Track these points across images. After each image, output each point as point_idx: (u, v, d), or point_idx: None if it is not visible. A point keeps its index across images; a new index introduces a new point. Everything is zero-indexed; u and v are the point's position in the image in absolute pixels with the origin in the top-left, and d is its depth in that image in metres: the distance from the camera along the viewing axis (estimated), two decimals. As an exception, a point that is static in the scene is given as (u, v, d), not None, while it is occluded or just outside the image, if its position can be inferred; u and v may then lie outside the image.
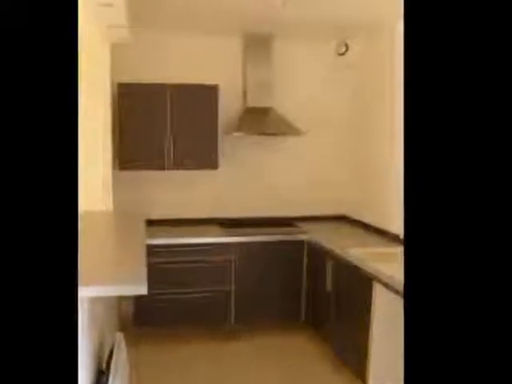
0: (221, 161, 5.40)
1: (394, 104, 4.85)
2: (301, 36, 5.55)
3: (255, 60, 5.53)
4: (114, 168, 4.94)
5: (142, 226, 2.87)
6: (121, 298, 5.12)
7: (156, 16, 4.74)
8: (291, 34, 5.46)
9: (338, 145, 6.00)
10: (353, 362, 4.26)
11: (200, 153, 5.27)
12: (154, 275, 4.74)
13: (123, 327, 4.84)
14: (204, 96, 5.23)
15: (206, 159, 5.30)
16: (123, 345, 3.05)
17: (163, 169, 5.24)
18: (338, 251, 4.52)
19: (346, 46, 5.61)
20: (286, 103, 5.67)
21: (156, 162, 5.19)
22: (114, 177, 4.97)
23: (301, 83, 5.81)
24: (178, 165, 5.23)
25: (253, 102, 5.51)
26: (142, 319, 5.04)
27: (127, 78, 5.14)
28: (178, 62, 5.48)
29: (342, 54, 5.66)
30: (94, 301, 2.53)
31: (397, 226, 4.76)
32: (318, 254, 4.92)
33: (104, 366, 2.71)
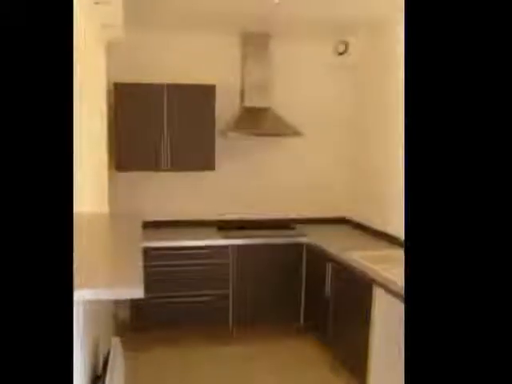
0: (218, 162, 5.41)
1: (394, 104, 4.85)
2: (299, 35, 5.56)
3: (253, 59, 5.53)
4: (109, 169, 4.94)
5: (139, 228, 2.87)
6: (117, 302, 5.11)
7: (152, 15, 4.74)
8: (289, 33, 5.46)
9: (338, 146, 6.00)
10: (353, 367, 4.25)
11: (197, 154, 5.26)
12: (151, 278, 4.76)
13: (119, 332, 4.83)
14: (201, 96, 5.23)
15: (203, 160, 5.29)
16: (119, 349, 3.04)
17: (160, 170, 5.24)
18: (337, 254, 4.51)
19: (346, 45, 5.61)
20: (285, 103, 5.68)
21: (152, 163, 5.18)
22: (110, 178, 4.97)
23: (299, 83, 5.82)
24: (175, 166, 5.23)
25: (250, 102, 5.51)
26: (139, 323, 5.03)
27: (123, 78, 5.14)
28: (174, 62, 5.48)
29: (342, 54, 5.66)
30: (89, 304, 2.53)
31: (397, 228, 4.76)
32: (318, 257, 4.92)
33: (100, 371, 2.71)
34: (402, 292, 3.35)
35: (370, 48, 5.46)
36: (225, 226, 5.60)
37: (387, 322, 3.85)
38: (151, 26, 5.16)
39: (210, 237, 5.19)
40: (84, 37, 3.28)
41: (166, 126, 5.16)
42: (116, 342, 3.04)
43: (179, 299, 5.05)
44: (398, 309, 3.72)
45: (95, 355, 2.71)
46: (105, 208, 4.62)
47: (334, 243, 4.88)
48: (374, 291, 3.85)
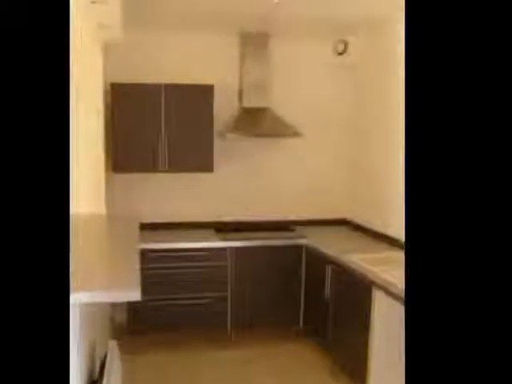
0: (216, 163, 5.40)
1: (395, 104, 4.85)
2: (298, 34, 5.56)
3: (252, 59, 5.53)
4: (106, 170, 4.94)
5: (136, 229, 2.87)
6: (114, 305, 5.10)
7: (150, 14, 4.74)
8: (288, 32, 5.47)
9: (338, 147, 6.00)
10: (352, 370, 4.25)
11: (195, 155, 5.26)
12: (148, 281, 4.75)
13: (116, 335, 4.83)
14: (199, 96, 5.23)
15: (201, 161, 5.29)
16: (116, 353, 3.04)
17: (157, 171, 5.24)
18: (337, 256, 4.52)
19: (345, 44, 5.61)
20: (284, 104, 5.67)
21: (150, 164, 5.18)
22: (107, 179, 4.97)
23: (298, 83, 5.82)
24: (173, 167, 5.23)
25: (249, 103, 5.51)
26: (136, 326, 5.03)
27: (120, 78, 5.14)
28: (172, 62, 5.48)
29: (341, 53, 5.66)
30: (86, 307, 2.53)
31: (397, 230, 4.76)
32: (317, 260, 4.92)
33: (97, 374, 2.70)
34: (403, 295, 3.35)
35: (370, 47, 5.47)
36: (223, 228, 5.60)
37: (387, 325, 3.85)
38: (148, 25, 5.16)
39: (208, 239, 5.18)
40: (80, 36, 3.28)
41: (163, 126, 5.16)
42: (113, 345, 3.03)
43: (177, 302, 5.05)
44: (399, 312, 3.72)
45: (92, 359, 2.71)
46: (102, 209, 4.62)
47: (334, 245, 4.89)
48: (373, 294, 3.85)
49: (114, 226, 3.15)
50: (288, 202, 5.94)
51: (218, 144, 5.44)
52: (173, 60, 5.48)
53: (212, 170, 5.33)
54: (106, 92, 4.97)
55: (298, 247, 5.25)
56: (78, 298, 1.62)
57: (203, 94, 5.23)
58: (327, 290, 4.65)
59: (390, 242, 4.93)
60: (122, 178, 5.43)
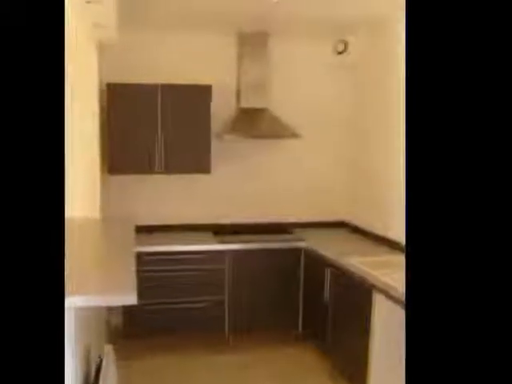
0: (214, 164, 5.39)
1: (395, 105, 4.85)
2: (297, 34, 5.56)
3: (250, 59, 5.53)
4: (102, 172, 4.94)
5: (132, 232, 2.87)
6: (109, 309, 5.10)
7: (146, 13, 4.73)
8: (287, 31, 5.47)
9: (337, 148, 6.00)
10: (352, 375, 4.25)
11: (192, 156, 5.26)
12: (144, 284, 4.74)
13: (112, 339, 4.82)
14: (196, 96, 5.23)
15: (199, 163, 5.29)
16: (112, 357, 3.04)
17: (153, 173, 5.24)
18: (336, 259, 4.52)
19: (345, 44, 5.61)
20: (282, 104, 5.67)
21: (146, 166, 5.18)
22: (103, 181, 4.96)
23: (297, 83, 5.82)
24: (169, 169, 5.22)
25: (247, 103, 5.51)
26: (132, 330, 5.02)
27: (116, 78, 5.14)
28: (169, 62, 5.48)
29: (341, 53, 5.66)
30: (81, 311, 2.53)
31: (398, 232, 4.75)
32: (316, 263, 4.92)
33: (92, 379, 2.70)
34: (403, 298, 3.35)
35: (370, 47, 5.47)
36: (220, 231, 5.59)
37: (387, 329, 3.85)
38: (145, 25, 5.16)
39: (206, 241, 5.18)
40: (76, 36, 3.28)
41: (160, 127, 5.16)
42: (108, 349, 3.03)
43: (173, 306, 5.05)
44: (399, 315, 3.72)
45: (87, 363, 2.70)
46: (97, 212, 4.62)
47: (333, 248, 4.89)
48: (373, 297, 3.85)
49: (110, 228, 3.15)
50: (287, 204, 5.94)
51: (215, 145, 5.44)
52: (170, 60, 5.48)
53: (209, 172, 5.33)
54: (101, 92, 4.97)
55: (297, 250, 5.24)
56: (73, 302, 1.61)
57: (200, 94, 5.22)
58: (326, 294, 4.65)
59: (390, 244, 4.93)
60: (118, 179, 5.43)
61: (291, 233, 5.63)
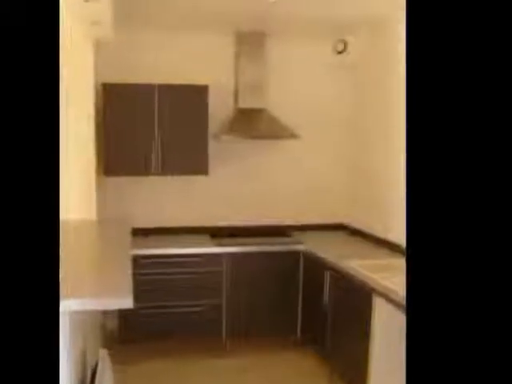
0: (211, 166, 5.39)
1: (395, 105, 4.86)
2: (296, 34, 5.56)
3: (248, 59, 5.53)
4: (97, 173, 4.93)
5: (128, 235, 2.86)
6: (105, 312, 5.09)
7: (143, 13, 4.73)
8: (286, 31, 5.47)
9: (337, 149, 6.00)
10: (352, 379, 4.25)
11: (189, 157, 5.26)
12: (141, 288, 4.74)
13: (108, 343, 4.81)
14: (193, 97, 5.23)
15: (196, 164, 5.29)
16: (108, 362, 3.03)
17: (150, 174, 5.23)
18: (336, 262, 4.51)
19: (345, 43, 5.61)
20: (281, 105, 5.67)
21: (142, 167, 5.17)
22: (98, 183, 4.96)
23: (296, 83, 5.82)
24: (166, 170, 5.22)
25: (245, 104, 5.51)
26: (128, 335, 5.02)
27: (112, 78, 5.14)
28: (166, 61, 5.48)
29: (341, 53, 5.66)
30: (76, 315, 2.52)
31: (399, 235, 4.75)
32: (315, 266, 4.92)
33: (87, 385, 2.70)
34: (404, 302, 3.35)
35: (370, 47, 5.47)
36: (218, 233, 5.59)
37: (388, 334, 3.85)
38: (141, 24, 5.15)
39: (203, 244, 5.18)
40: (71, 35, 3.28)
41: (156, 128, 5.16)
42: (104, 354, 3.03)
43: (170, 310, 5.04)
44: (399, 319, 3.72)
45: (82, 368, 2.70)
46: (92, 214, 4.62)
47: (333, 251, 4.88)
48: (373, 301, 3.84)
49: (106, 231, 3.15)
50: (285, 207, 5.94)
51: (212, 146, 5.44)
52: (166, 60, 5.48)
53: (207, 173, 5.33)
54: (97, 92, 4.96)
55: (296, 253, 5.24)
56: (67, 306, 1.61)
57: (198, 94, 5.22)
58: (326, 297, 4.65)
59: (391, 247, 4.93)
60: (114, 181, 5.43)
61: (290, 235, 5.62)
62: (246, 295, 5.18)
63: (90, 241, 2.83)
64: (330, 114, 5.92)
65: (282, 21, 5.04)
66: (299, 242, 5.30)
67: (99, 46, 4.86)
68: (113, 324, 5.18)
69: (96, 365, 2.85)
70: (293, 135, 5.35)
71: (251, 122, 5.42)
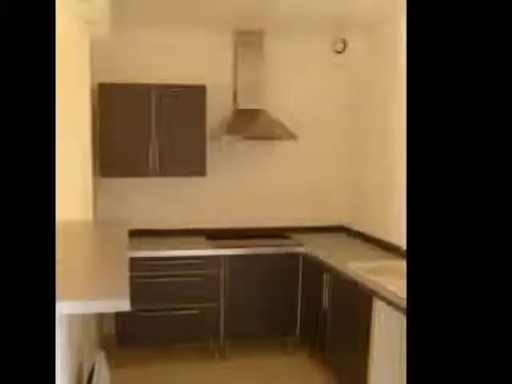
0: (209, 167, 5.39)
1: (396, 105, 4.86)
2: (295, 33, 5.55)
3: (246, 59, 5.52)
4: (94, 175, 4.92)
5: (125, 236, 2.87)
6: (102, 315, 5.09)
7: (139, 11, 4.73)
8: (285, 30, 5.46)
9: (336, 150, 5.99)
10: (351, 383, 4.26)
11: (187, 158, 5.25)
12: (138, 290, 4.73)
13: (104, 346, 4.81)
14: (191, 97, 5.22)
15: (193, 165, 5.28)
16: (105, 365, 3.03)
17: (147, 175, 5.23)
18: (335, 265, 4.51)
19: (344, 43, 5.60)
20: (279, 105, 5.68)
21: (139, 169, 5.17)
22: (94, 184, 4.95)
23: (295, 84, 5.81)
24: (163, 171, 5.21)
25: (243, 104, 5.51)
26: (125, 338, 5.01)
27: (108, 78, 5.13)
28: (163, 61, 5.47)
29: (340, 52, 5.66)
30: (72, 318, 2.52)
31: (399, 237, 4.75)
32: (315, 268, 4.91)
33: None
34: (404, 304, 3.35)
35: (370, 46, 5.48)
36: (216, 235, 5.59)
37: (388, 337, 3.85)
38: (138, 23, 5.15)
39: (200, 246, 5.17)
40: (66, 34, 3.28)
41: (153, 128, 5.15)
42: (101, 356, 3.03)
43: (167, 312, 5.03)
44: (400, 322, 3.72)
45: (79, 371, 2.70)
46: (89, 216, 4.61)
47: (332, 253, 4.88)
48: (374, 304, 3.84)
49: (102, 232, 3.15)
50: (284, 208, 5.93)
51: (210, 147, 5.44)
52: (164, 59, 5.47)
53: (205, 175, 5.32)
54: (93, 92, 4.95)
55: (295, 255, 5.24)
56: (63, 308, 1.61)
57: (195, 94, 5.22)
58: (325, 300, 4.65)
59: (391, 249, 4.93)
60: (111, 182, 5.42)
61: (289, 238, 5.62)
62: (245, 298, 5.17)
63: (87, 243, 2.82)
64: (330, 114, 5.91)
65: (281, 20, 5.03)
66: (299, 244, 5.30)
67: (96, 46, 4.86)
68: (110, 326, 5.17)
69: (93, 368, 2.85)
70: (292, 136, 5.35)
71: (250, 123, 5.41)
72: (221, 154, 5.68)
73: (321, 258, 4.80)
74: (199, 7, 4.61)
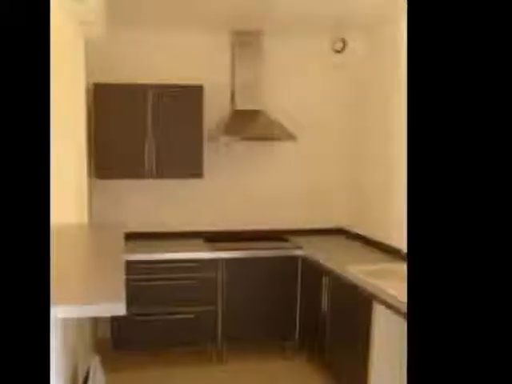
0: (206, 169, 5.38)
1: (396, 106, 4.86)
2: (294, 32, 5.55)
3: (244, 59, 5.52)
4: (89, 176, 4.92)
5: (121, 239, 2.86)
6: (97, 319, 5.08)
7: (135, 10, 4.73)
8: (283, 30, 5.46)
9: (336, 151, 5.99)
10: (351, 389, 4.25)
11: (183, 160, 5.25)
12: (134, 294, 4.72)
13: (100, 351, 4.81)
14: (188, 97, 5.22)
15: (190, 167, 5.28)
16: (100, 370, 3.03)
17: (143, 177, 5.22)
18: (335, 268, 4.51)
19: (344, 42, 5.60)
20: (278, 105, 5.67)
21: (136, 170, 5.16)
22: (90, 186, 4.94)
23: (294, 84, 5.81)
24: (160, 173, 5.21)
25: (241, 105, 5.50)
26: (121, 342, 5.00)
27: (104, 78, 5.13)
28: (159, 61, 5.47)
29: (339, 52, 5.65)
30: (67, 322, 2.52)
31: (399, 240, 4.75)
32: (314, 271, 4.91)
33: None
34: (404, 308, 3.35)
35: (370, 46, 5.48)
36: (213, 238, 5.58)
37: (388, 341, 3.84)
38: (134, 23, 5.14)
39: (198, 249, 5.17)
40: (61, 34, 3.28)
41: (150, 129, 5.15)
42: (96, 361, 3.03)
43: (164, 316, 5.03)
44: (400, 326, 3.72)
45: (74, 375, 2.70)
46: (84, 218, 4.61)
47: (332, 256, 4.88)
48: (374, 308, 3.84)
49: (98, 235, 3.15)
50: (283, 210, 5.92)
51: (208, 148, 5.44)
52: (160, 59, 5.47)
53: (202, 176, 5.32)
54: (89, 92, 4.95)
55: (294, 258, 5.23)
56: (58, 312, 1.61)
57: (192, 95, 5.21)
58: (324, 303, 4.65)
59: (391, 252, 4.93)
60: (107, 184, 5.41)
61: (288, 240, 5.62)
62: (243, 301, 5.17)
63: (82, 245, 2.82)
64: (329, 115, 5.91)
65: (279, 19, 5.03)
66: (298, 247, 5.30)
67: (91, 46, 4.85)
68: (105, 330, 5.17)
69: (88, 372, 2.85)
70: (291, 137, 5.34)
71: (248, 124, 5.41)
72: (218, 155, 5.67)
73: (320, 260, 4.80)
74: (196, 7, 4.60)
